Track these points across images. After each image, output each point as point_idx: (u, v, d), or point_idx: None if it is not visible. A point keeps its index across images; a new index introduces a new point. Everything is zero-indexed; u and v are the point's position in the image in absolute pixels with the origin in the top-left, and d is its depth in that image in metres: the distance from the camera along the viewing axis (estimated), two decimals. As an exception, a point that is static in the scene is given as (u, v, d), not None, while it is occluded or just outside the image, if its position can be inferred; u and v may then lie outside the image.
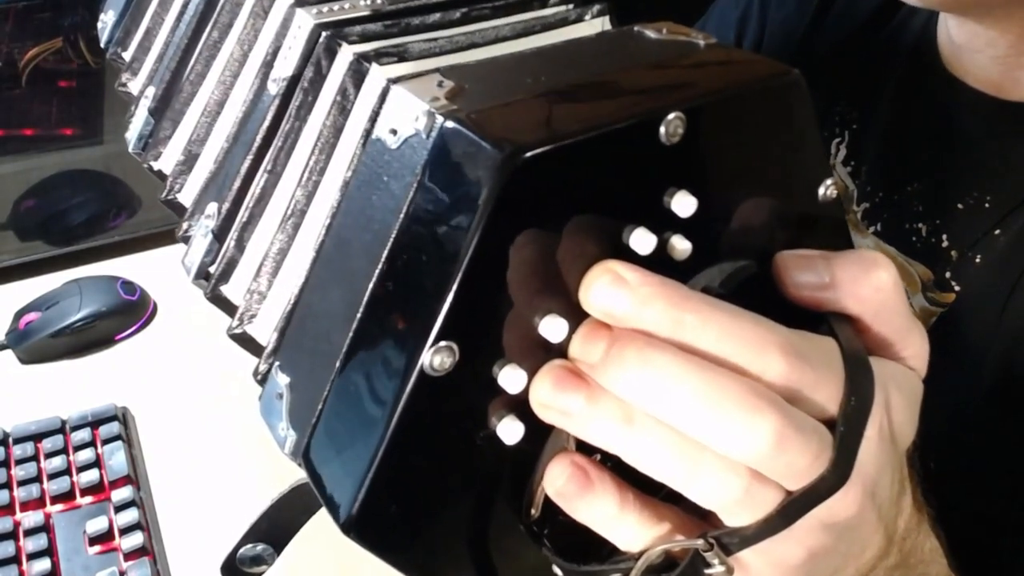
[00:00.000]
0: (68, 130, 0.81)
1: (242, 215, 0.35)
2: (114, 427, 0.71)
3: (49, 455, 0.69)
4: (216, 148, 0.38)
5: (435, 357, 0.25)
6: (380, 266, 0.26)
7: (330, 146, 0.32)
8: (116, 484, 0.68)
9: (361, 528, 0.27)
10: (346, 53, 0.32)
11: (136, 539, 0.64)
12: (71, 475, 0.68)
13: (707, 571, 0.27)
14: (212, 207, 0.37)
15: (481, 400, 0.27)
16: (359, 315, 0.27)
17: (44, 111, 0.79)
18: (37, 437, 0.70)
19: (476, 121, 0.25)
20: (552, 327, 0.26)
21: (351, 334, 0.27)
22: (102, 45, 0.48)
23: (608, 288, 0.25)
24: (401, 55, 0.32)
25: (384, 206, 0.27)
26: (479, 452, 0.27)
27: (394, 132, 0.27)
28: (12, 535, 0.64)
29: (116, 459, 0.69)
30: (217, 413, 0.76)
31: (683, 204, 0.26)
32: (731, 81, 0.29)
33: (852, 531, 0.30)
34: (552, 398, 0.26)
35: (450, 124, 0.25)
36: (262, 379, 0.31)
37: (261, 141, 0.35)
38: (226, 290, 0.36)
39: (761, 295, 0.28)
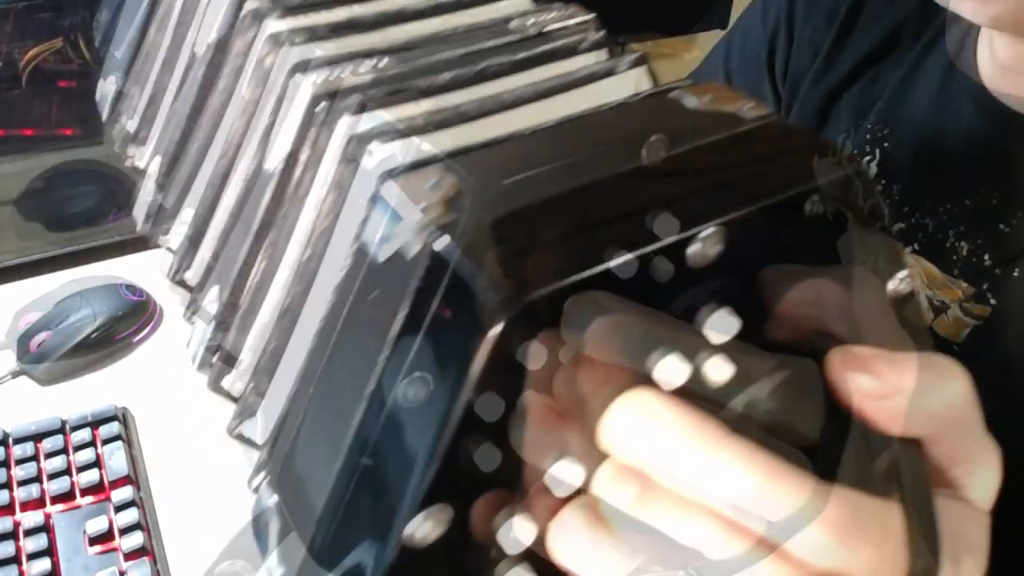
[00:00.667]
0: (68, 130, 0.81)
1: (243, 304, 0.34)
2: (114, 427, 0.71)
3: (49, 455, 0.69)
4: (219, 226, 0.37)
5: (419, 529, 0.23)
6: (359, 416, 0.24)
7: (326, 237, 0.31)
8: (116, 484, 0.68)
9: None
10: (342, 128, 0.30)
11: (136, 539, 0.64)
12: (71, 475, 0.68)
13: None
14: (214, 291, 0.36)
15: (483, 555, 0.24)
16: (339, 465, 0.25)
17: (44, 111, 0.79)
18: (37, 437, 0.70)
19: (471, 246, 0.22)
20: (569, 472, 0.23)
21: (331, 486, 0.25)
22: (104, 117, 0.46)
23: (637, 427, 0.22)
24: (403, 132, 0.29)
25: (372, 329, 0.24)
26: None
27: (386, 239, 0.24)
28: (12, 535, 0.64)
29: (116, 459, 0.69)
30: (217, 413, 0.76)
31: (722, 325, 0.22)
32: (776, 182, 0.25)
33: None
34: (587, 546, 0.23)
35: (440, 246, 0.22)
36: (255, 490, 0.30)
37: (260, 224, 0.33)
38: (227, 381, 0.35)
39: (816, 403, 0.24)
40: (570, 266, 0.22)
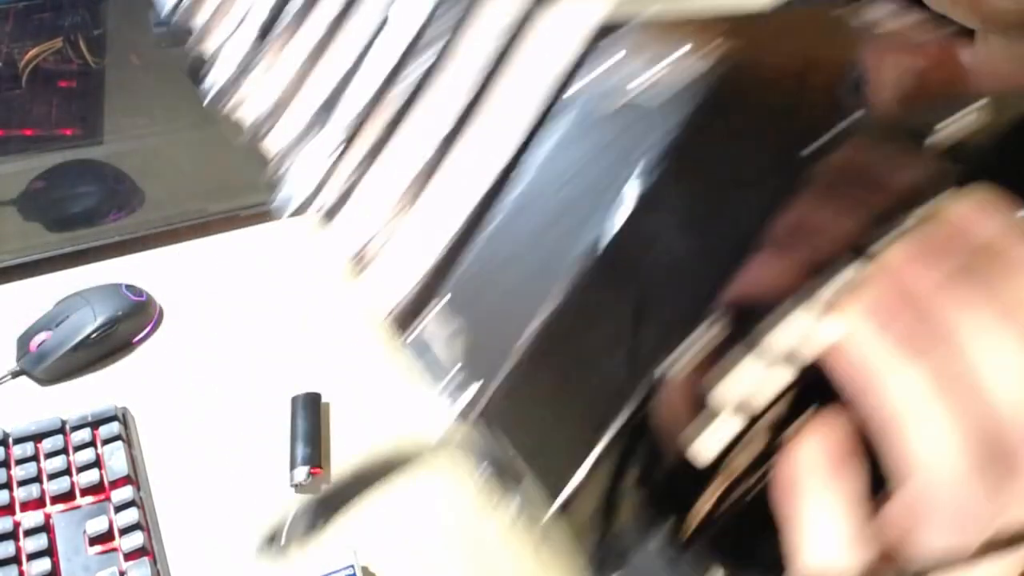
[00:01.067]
0: (68, 130, 0.81)
1: (374, 139, 0.30)
2: (114, 427, 0.71)
3: (49, 455, 0.69)
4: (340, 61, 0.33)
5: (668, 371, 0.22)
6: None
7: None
8: (116, 484, 0.68)
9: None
10: None
11: (136, 539, 0.65)
12: (71, 475, 0.69)
13: None
14: (341, 122, 0.31)
15: None
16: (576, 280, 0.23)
17: (44, 111, 0.79)
18: (37, 437, 0.70)
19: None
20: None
21: (548, 317, 0.23)
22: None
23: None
24: None
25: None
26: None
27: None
28: (12, 535, 0.64)
29: (116, 459, 0.69)
30: (217, 413, 0.76)
31: None
32: None
33: None
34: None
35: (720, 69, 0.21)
36: (408, 318, 0.27)
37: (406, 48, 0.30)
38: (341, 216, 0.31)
39: None
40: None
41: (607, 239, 0.22)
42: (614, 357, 0.23)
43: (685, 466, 0.25)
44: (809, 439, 0.25)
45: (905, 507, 0.25)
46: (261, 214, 0.92)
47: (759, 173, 0.22)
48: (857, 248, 0.24)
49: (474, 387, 0.25)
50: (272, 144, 0.35)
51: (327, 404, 0.76)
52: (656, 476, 0.25)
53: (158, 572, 0.64)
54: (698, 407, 0.24)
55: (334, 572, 0.63)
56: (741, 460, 0.27)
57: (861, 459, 0.25)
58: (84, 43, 0.76)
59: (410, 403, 0.77)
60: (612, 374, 0.23)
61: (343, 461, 0.73)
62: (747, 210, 0.22)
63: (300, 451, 0.72)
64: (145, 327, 0.81)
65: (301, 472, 0.71)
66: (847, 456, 0.24)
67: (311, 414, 0.74)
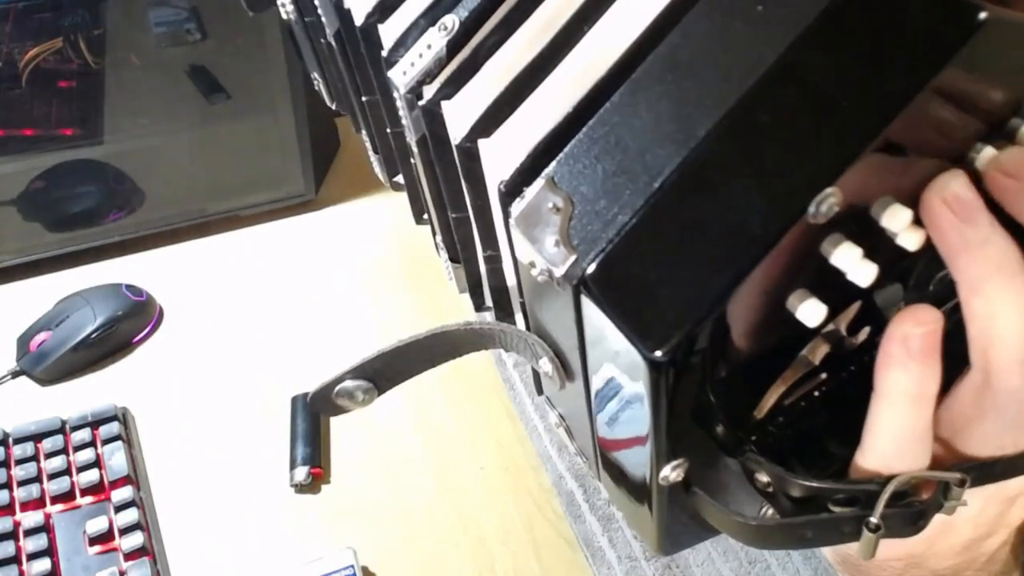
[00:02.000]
0: (68, 130, 0.81)
1: (487, 32, 0.30)
2: (114, 427, 0.71)
3: (49, 455, 0.69)
4: None
5: (823, 204, 0.23)
6: (747, 91, 0.24)
7: None
8: (116, 484, 0.68)
9: (675, 368, 0.24)
10: None
11: (136, 539, 0.65)
12: (71, 475, 0.69)
13: (945, 503, 0.27)
14: (450, 18, 0.31)
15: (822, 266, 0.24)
16: (707, 136, 0.24)
17: (44, 111, 0.79)
18: (37, 437, 0.70)
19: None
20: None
21: (684, 157, 0.24)
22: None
23: None
24: None
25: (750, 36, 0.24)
26: (780, 317, 0.25)
27: None
28: (12, 535, 0.65)
29: (116, 459, 0.69)
30: (217, 413, 0.76)
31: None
32: None
33: (1003, 516, 0.31)
34: (962, 195, 0.25)
35: None
36: (514, 188, 0.28)
37: None
38: (447, 107, 0.30)
39: None
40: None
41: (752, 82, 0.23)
42: (743, 207, 0.23)
43: (760, 359, 0.26)
44: (910, 314, 0.26)
45: (968, 395, 0.27)
46: (261, 214, 0.92)
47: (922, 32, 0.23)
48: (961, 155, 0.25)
49: (573, 257, 0.25)
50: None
51: (327, 404, 0.76)
52: (735, 362, 0.26)
53: (158, 572, 0.64)
54: (811, 272, 0.24)
55: (334, 572, 0.63)
56: (813, 355, 0.27)
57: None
58: (84, 43, 0.76)
59: (410, 403, 0.77)
60: (741, 222, 0.23)
61: (343, 461, 0.73)
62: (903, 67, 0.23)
63: (300, 451, 0.72)
64: (145, 327, 0.81)
65: (301, 472, 0.71)
66: (936, 342, 0.26)
67: (311, 414, 0.74)
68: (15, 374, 0.77)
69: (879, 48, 0.23)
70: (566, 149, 0.27)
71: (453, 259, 0.39)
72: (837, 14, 0.23)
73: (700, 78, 0.25)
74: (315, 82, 0.51)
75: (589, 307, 0.25)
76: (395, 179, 0.45)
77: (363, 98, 0.40)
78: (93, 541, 0.65)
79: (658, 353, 0.23)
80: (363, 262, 0.89)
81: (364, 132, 0.45)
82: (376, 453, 0.74)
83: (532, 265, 0.27)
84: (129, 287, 0.82)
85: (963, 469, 0.27)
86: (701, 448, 0.28)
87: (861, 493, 0.27)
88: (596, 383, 0.29)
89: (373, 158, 0.47)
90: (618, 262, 0.24)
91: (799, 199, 0.23)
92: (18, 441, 0.70)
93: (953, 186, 0.25)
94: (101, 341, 0.78)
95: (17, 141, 0.81)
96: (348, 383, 0.32)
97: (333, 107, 0.50)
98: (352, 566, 0.64)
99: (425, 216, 0.41)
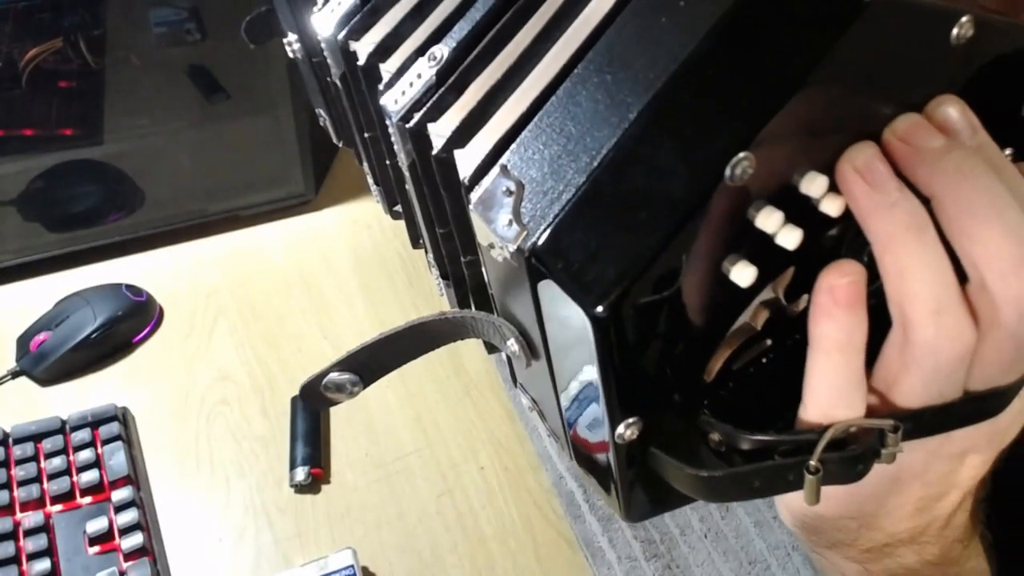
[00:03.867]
0: (68, 130, 0.81)
1: (470, 60, 0.33)
2: (114, 427, 0.71)
3: (49, 455, 0.69)
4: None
5: (737, 168, 0.26)
6: (677, 68, 0.27)
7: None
8: (116, 484, 0.68)
9: (615, 323, 0.27)
10: None
11: (136, 539, 0.65)
12: (71, 475, 0.69)
13: (883, 450, 0.29)
14: (439, 50, 0.34)
15: (744, 229, 0.27)
16: (638, 117, 0.27)
17: (44, 111, 0.79)
18: (37, 437, 0.70)
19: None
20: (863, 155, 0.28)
21: (618, 137, 0.27)
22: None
23: (958, 109, 0.28)
24: None
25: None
26: (716, 282, 0.28)
27: None
28: (12, 535, 0.65)
29: (116, 459, 0.69)
30: (217, 413, 0.76)
31: None
32: None
33: (951, 474, 0.32)
34: (870, 163, 0.27)
35: None
36: (475, 179, 0.31)
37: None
38: (433, 128, 0.34)
39: None
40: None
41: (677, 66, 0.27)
42: (671, 176, 0.27)
43: (704, 322, 0.29)
44: (836, 266, 0.28)
45: (892, 351, 0.29)
46: (261, 214, 0.92)
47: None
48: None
49: (524, 232, 0.28)
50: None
51: (327, 404, 0.76)
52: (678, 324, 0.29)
53: (158, 572, 0.64)
54: (740, 233, 0.28)
55: (334, 572, 0.63)
56: (754, 321, 0.30)
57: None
58: (84, 43, 0.76)
59: (410, 403, 0.77)
60: (668, 190, 0.27)
61: (343, 461, 0.73)
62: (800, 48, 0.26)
63: (300, 451, 0.72)
64: (145, 327, 0.81)
65: (301, 472, 0.71)
66: (859, 292, 0.28)
67: (311, 414, 0.74)
68: (15, 374, 0.77)
69: (781, 33, 0.27)
70: (517, 140, 0.30)
71: (443, 276, 0.42)
72: (746, 5, 0.27)
73: (632, 68, 0.28)
74: (321, 119, 0.53)
75: (538, 278, 0.28)
76: (394, 208, 0.47)
77: (365, 134, 0.43)
78: (93, 541, 0.65)
79: (599, 308, 0.26)
80: (363, 262, 0.89)
81: (366, 164, 0.48)
82: (376, 453, 0.74)
83: (491, 247, 0.30)
84: (129, 287, 0.82)
85: (896, 418, 0.29)
86: (660, 414, 0.30)
87: (803, 443, 0.29)
88: (556, 356, 0.32)
89: (374, 189, 0.50)
90: (563, 234, 0.27)
91: (716, 164, 0.26)
92: (18, 441, 0.70)
93: (862, 155, 0.27)
94: (101, 341, 0.78)
95: (17, 141, 0.81)
96: (335, 376, 0.34)
97: (340, 144, 0.51)
98: (352, 566, 0.64)
99: (420, 241, 0.44)
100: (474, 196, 0.30)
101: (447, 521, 0.70)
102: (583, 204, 0.27)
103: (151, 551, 0.65)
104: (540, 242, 0.27)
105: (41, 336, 0.78)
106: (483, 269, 0.36)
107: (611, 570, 0.67)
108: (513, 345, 0.34)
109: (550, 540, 0.69)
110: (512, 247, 0.28)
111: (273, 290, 0.86)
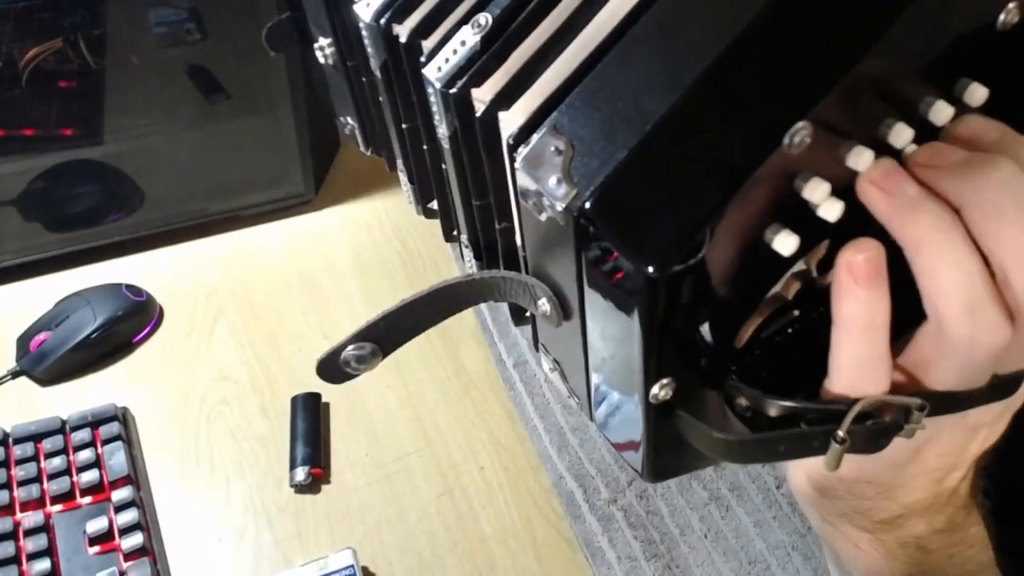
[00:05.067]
0: (68, 130, 0.81)
1: (515, 25, 0.33)
2: (114, 427, 0.71)
3: (49, 455, 0.69)
4: None
5: (795, 136, 0.26)
6: (730, 42, 0.27)
7: None
8: (116, 484, 0.68)
9: (664, 284, 0.27)
10: None
11: (136, 539, 0.65)
12: (71, 475, 0.69)
13: (906, 425, 0.30)
14: (483, 16, 0.34)
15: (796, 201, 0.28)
16: (696, 82, 0.27)
17: (44, 111, 0.79)
18: (37, 437, 0.70)
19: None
20: (904, 136, 0.28)
21: (674, 101, 0.27)
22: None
23: (984, 121, 0.29)
24: None
25: None
26: (757, 250, 0.28)
27: None
28: (12, 535, 0.65)
29: (116, 459, 0.69)
30: (217, 413, 0.76)
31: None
32: None
33: (964, 448, 0.33)
34: (886, 173, 0.28)
35: None
36: (520, 138, 0.31)
37: None
38: (476, 94, 0.34)
39: None
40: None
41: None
42: (727, 141, 0.27)
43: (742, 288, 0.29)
44: (854, 244, 0.29)
45: (927, 341, 0.30)
46: (261, 214, 0.92)
47: None
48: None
49: (574, 191, 0.28)
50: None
51: (327, 404, 0.76)
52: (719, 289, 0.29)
53: (158, 572, 0.64)
54: (787, 204, 0.28)
55: (334, 572, 0.63)
56: (786, 291, 0.31)
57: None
58: (84, 43, 0.76)
59: (410, 403, 0.77)
60: (724, 154, 0.27)
61: (343, 461, 0.73)
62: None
63: (300, 451, 0.72)
64: (145, 327, 0.81)
65: (301, 472, 0.71)
66: (879, 267, 0.28)
67: (311, 414, 0.74)
68: (15, 374, 0.77)
69: (845, 5, 0.27)
70: (567, 100, 0.30)
71: (477, 257, 0.42)
72: None
73: (686, 34, 0.28)
74: (346, 127, 0.52)
75: (586, 238, 0.28)
76: (428, 206, 0.47)
77: (403, 126, 0.42)
78: (93, 541, 0.65)
79: (651, 269, 0.26)
80: (363, 262, 0.89)
81: (400, 162, 0.48)
82: (376, 453, 0.74)
83: (535, 206, 0.30)
84: (129, 287, 0.82)
85: (924, 397, 0.30)
86: (687, 380, 0.31)
87: (832, 412, 0.30)
88: (590, 316, 0.32)
89: (407, 188, 0.49)
90: (614, 194, 0.27)
91: (775, 131, 0.26)
92: (18, 441, 0.70)
93: (878, 168, 0.28)
94: (101, 341, 0.78)
95: (17, 141, 0.81)
96: (352, 349, 0.33)
97: (368, 152, 0.51)
98: (352, 566, 0.64)
99: (454, 233, 0.44)
100: (520, 154, 0.30)
101: (447, 521, 0.70)
102: (635, 165, 0.27)
103: (151, 551, 0.65)
104: (591, 202, 0.27)
105: (41, 336, 0.78)
106: (516, 234, 0.35)
107: (611, 570, 0.67)
108: (545, 304, 0.34)
109: (550, 540, 0.69)
110: (561, 205, 0.28)
111: (273, 290, 0.86)
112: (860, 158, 0.28)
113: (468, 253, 0.43)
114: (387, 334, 0.34)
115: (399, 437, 0.75)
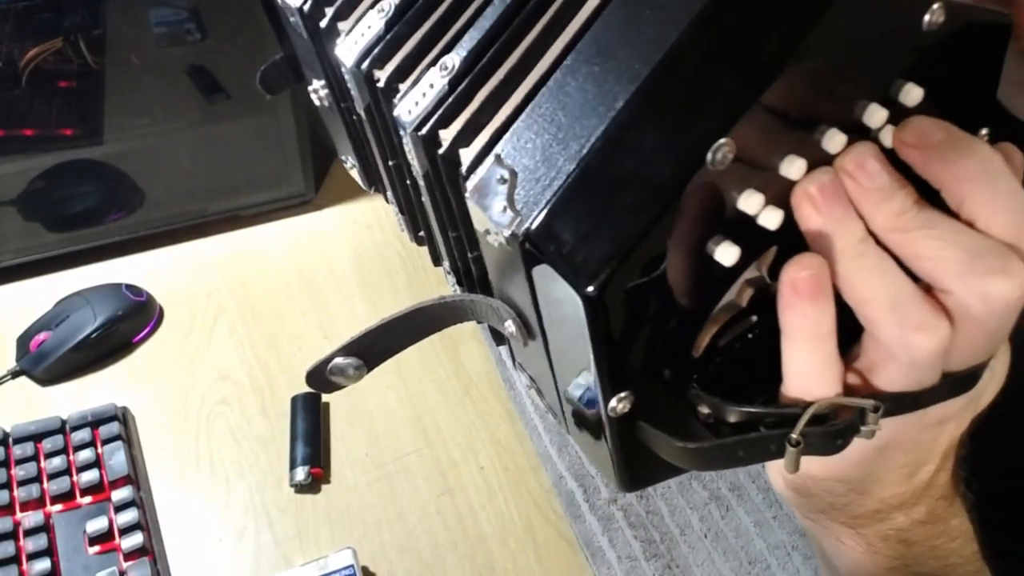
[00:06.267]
0: (68, 130, 0.81)
1: (480, 67, 0.35)
2: (114, 427, 0.71)
3: (49, 455, 0.69)
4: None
5: (718, 153, 0.27)
6: (657, 63, 0.28)
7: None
8: (116, 484, 0.68)
9: (606, 302, 0.28)
10: None
11: (136, 539, 0.65)
12: (71, 475, 0.69)
13: (862, 427, 0.30)
14: (450, 59, 0.36)
15: (725, 211, 0.29)
16: (625, 105, 0.29)
17: (44, 111, 0.79)
18: (37, 437, 0.70)
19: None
20: (836, 141, 0.29)
21: (606, 125, 0.29)
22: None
23: (931, 124, 0.30)
24: None
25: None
26: (703, 261, 0.29)
27: None
28: (12, 535, 0.65)
29: (116, 459, 0.69)
30: (217, 413, 0.76)
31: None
32: None
33: (932, 442, 0.34)
34: (824, 191, 0.29)
35: None
36: (471, 169, 0.33)
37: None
38: (444, 134, 0.35)
39: None
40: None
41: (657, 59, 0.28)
42: (656, 161, 0.28)
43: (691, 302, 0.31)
44: (797, 260, 0.30)
45: (870, 345, 0.31)
46: (261, 214, 0.92)
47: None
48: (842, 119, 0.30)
49: (518, 218, 0.29)
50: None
51: (327, 404, 0.76)
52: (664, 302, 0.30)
53: (158, 572, 0.64)
54: (720, 217, 0.29)
55: (334, 572, 0.63)
56: (740, 298, 0.32)
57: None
58: (84, 43, 0.76)
59: (410, 403, 0.77)
60: (653, 174, 0.28)
61: (343, 461, 0.73)
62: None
63: (300, 451, 0.72)
64: (145, 327, 0.81)
65: (301, 472, 0.71)
66: (822, 282, 0.30)
67: (311, 414, 0.74)
68: (15, 374, 0.77)
69: (760, 23, 0.28)
70: (510, 130, 0.32)
71: (459, 283, 0.44)
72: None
73: (618, 59, 0.30)
74: (346, 163, 0.53)
75: (533, 261, 0.30)
76: (419, 235, 0.49)
77: (389, 162, 0.44)
78: (93, 541, 0.65)
79: (590, 288, 0.27)
80: (363, 262, 0.89)
81: (390, 194, 0.49)
82: (376, 453, 0.74)
83: (487, 233, 0.31)
84: (129, 287, 0.82)
85: (877, 398, 0.30)
86: (652, 389, 0.32)
87: (787, 416, 0.30)
88: (551, 335, 0.33)
89: (400, 220, 0.51)
90: (555, 218, 0.29)
91: (698, 150, 0.27)
92: (18, 441, 0.70)
93: (813, 182, 0.29)
94: (101, 341, 0.78)
95: (17, 141, 0.81)
96: (339, 360, 0.35)
97: (372, 191, 0.52)
98: (352, 566, 0.64)
99: (441, 259, 0.46)
100: (470, 185, 0.32)
101: (447, 521, 0.70)
102: (573, 190, 0.29)
103: (151, 551, 0.65)
104: (533, 227, 0.29)
105: (41, 336, 0.78)
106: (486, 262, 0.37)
107: (611, 570, 0.67)
108: (510, 326, 0.35)
109: (550, 540, 0.69)
110: (507, 232, 0.29)
111: (273, 290, 0.86)
112: (792, 167, 0.29)
113: (451, 279, 0.45)
114: (371, 349, 0.36)
115: (399, 437, 0.75)
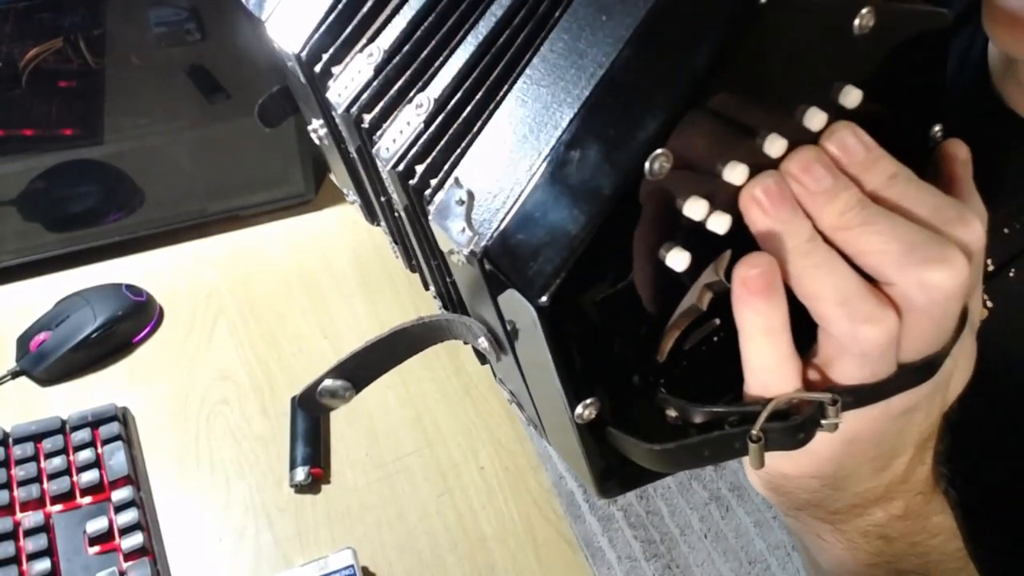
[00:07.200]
0: (68, 130, 0.81)
1: (453, 103, 0.36)
2: (114, 427, 0.71)
3: (49, 455, 0.69)
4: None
5: (655, 163, 0.28)
6: (599, 80, 0.30)
7: None
8: (116, 484, 0.68)
9: (561, 311, 0.29)
10: None
11: (136, 539, 0.65)
12: (71, 475, 0.69)
13: (823, 420, 0.31)
14: (423, 97, 0.37)
15: (672, 217, 0.30)
16: (570, 124, 0.30)
17: (44, 111, 0.79)
18: (37, 437, 0.70)
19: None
20: (777, 146, 0.30)
21: (554, 143, 0.30)
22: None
23: (851, 136, 0.31)
24: None
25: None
26: (659, 270, 0.30)
27: None
28: (12, 535, 0.65)
29: (116, 459, 0.69)
30: (216, 413, 0.76)
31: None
32: None
33: (901, 433, 0.34)
34: (769, 193, 0.30)
35: None
36: (433, 193, 0.34)
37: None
38: (420, 169, 0.37)
39: None
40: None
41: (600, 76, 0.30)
42: (599, 174, 0.29)
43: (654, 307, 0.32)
44: (746, 259, 0.31)
45: (824, 340, 0.32)
46: (261, 214, 0.92)
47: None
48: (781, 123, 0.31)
49: (476, 237, 0.31)
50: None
51: (327, 404, 0.76)
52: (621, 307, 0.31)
53: (158, 572, 0.64)
54: (671, 221, 0.30)
55: (334, 572, 0.63)
56: (700, 302, 0.33)
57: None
58: (84, 43, 0.76)
59: (410, 403, 0.77)
60: (597, 187, 0.29)
61: (343, 461, 0.73)
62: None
63: (300, 451, 0.72)
64: (145, 327, 0.81)
65: (301, 472, 0.71)
66: (772, 280, 0.30)
67: (311, 414, 0.74)
68: (15, 374, 0.77)
69: (688, 40, 0.29)
70: (467, 154, 0.33)
71: (444, 307, 0.45)
72: (655, 19, 0.30)
73: (563, 81, 0.31)
74: (348, 198, 0.54)
75: (492, 277, 0.31)
76: (412, 263, 0.50)
77: (382, 198, 0.46)
78: (93, 541, 0.65)
79: (542, 299, 0.29)
80: (363, 262, 0.89)
81: (384, 225, 0.51)
82: (376, 453, 0.74)
83: (450, 253, 0.32)
84: (129, 287, 0.82)
85: (835, 392, 0.31)
86: (620, 394, 0.33)
87: (748, 413, 0.31)
88: (519, 349, 0.34)
89: (394, 249, 0.52)
90: (509, 235, 0.30)
91: (635, 161, 0.28)
92: (18, 441, 0.70)
93: (758, 185, 0.30)
94: (101, 341, 0.78)
95: (17, 141, 0.81)
96: (329, 383, 0.36)
97: (376, 225, 0.53)
98: (352, 566, 0.64)
99: (428, 284, 0.48)
100: (432, 208, 0.33)
101: (447, 521, 0.70)
102: (525, 207, 0.30)
103: (151, 551, 0.65)
104: (490, 244, 0.30)
105: (41, 336, 0.78)
106: None
107: (611, 570, 0.67)
108: (483, 342, 0.36)
109: (550, 540, 0.69)
110: (466, 251, 0.31)
111: (273, 290, 0.86)
112: (734, 172, 0.29)
113: (437, 303, 0.47)
114: (358, 372, 0.37)
115: (399, 437, 0.75)
